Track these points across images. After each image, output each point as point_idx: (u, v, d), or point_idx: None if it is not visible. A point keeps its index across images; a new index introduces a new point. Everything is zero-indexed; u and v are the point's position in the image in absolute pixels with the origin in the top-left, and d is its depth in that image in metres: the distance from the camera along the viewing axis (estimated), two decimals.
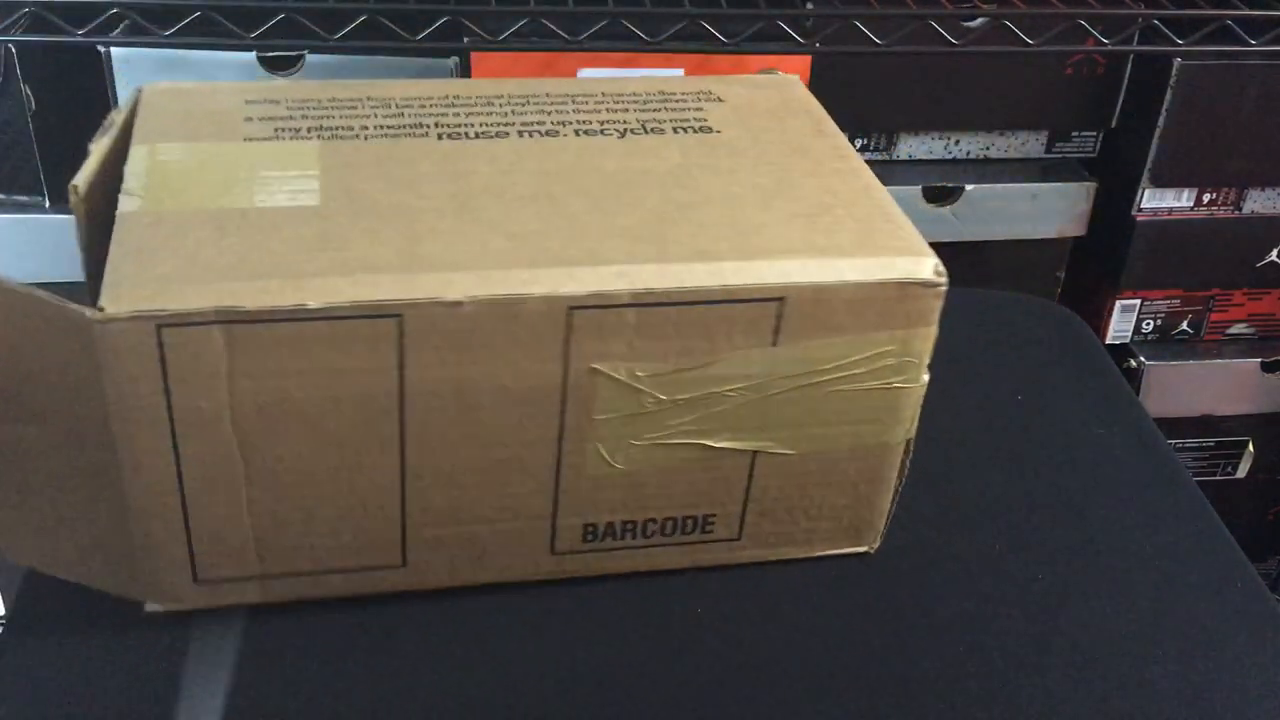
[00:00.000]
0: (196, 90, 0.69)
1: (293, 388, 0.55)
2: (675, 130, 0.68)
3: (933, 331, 0.60)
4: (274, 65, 1.00)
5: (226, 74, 1.00)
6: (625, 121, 0.68)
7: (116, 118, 0.65)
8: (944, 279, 0.59)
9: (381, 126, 0.66)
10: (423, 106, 0.68)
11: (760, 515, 0.65)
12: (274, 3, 0.92)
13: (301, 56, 1.00)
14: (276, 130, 0.65)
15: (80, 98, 1.03)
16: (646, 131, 0.67)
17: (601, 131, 0.67)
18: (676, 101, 0.71)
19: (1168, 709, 0.60)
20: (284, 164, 0.62)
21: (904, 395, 0.62)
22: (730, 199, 0.62)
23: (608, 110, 0.69)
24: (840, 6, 1.00)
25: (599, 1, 0.95)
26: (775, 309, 0.58)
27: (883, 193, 0.64)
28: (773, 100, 0.73)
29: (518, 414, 0.58)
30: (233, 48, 0.97)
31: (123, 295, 0.52)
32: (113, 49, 0.98)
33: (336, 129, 0.65)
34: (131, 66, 0.99)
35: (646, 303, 0.56)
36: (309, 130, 0.65)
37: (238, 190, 0.59)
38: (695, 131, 0.68)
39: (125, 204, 0.58)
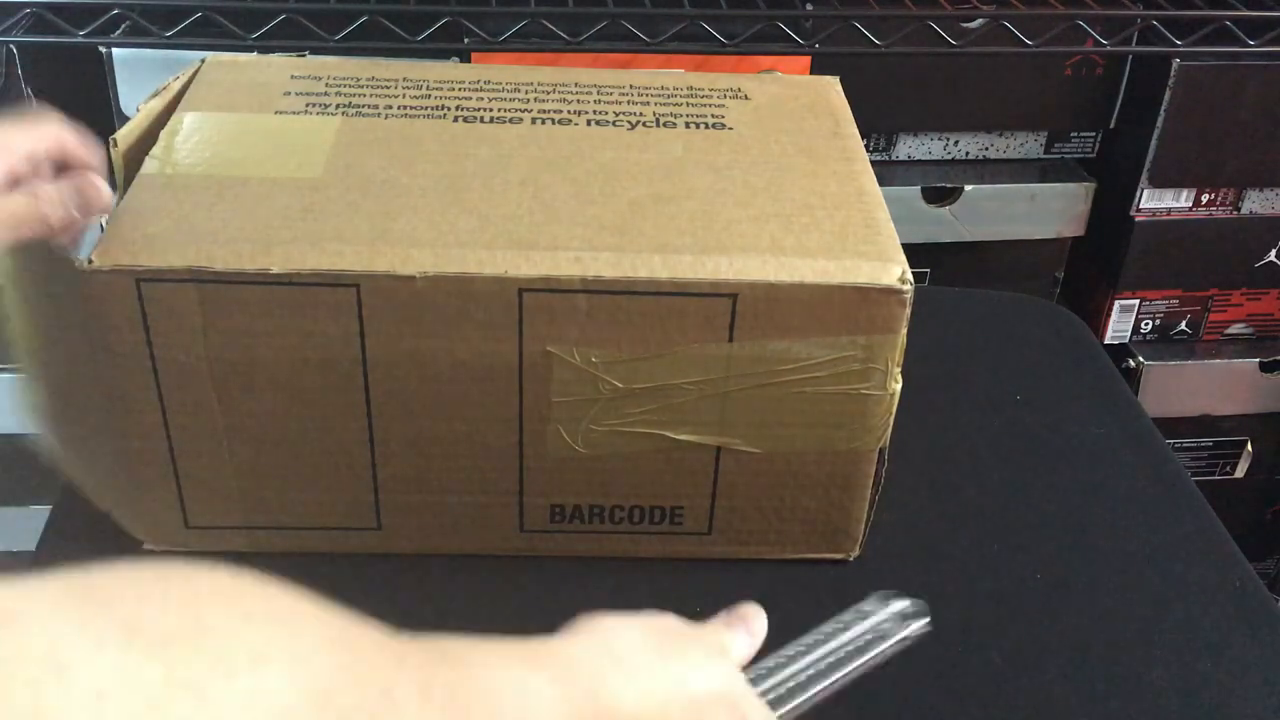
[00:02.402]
0: (252, 63, 0.73)
1: (262, 347, 0.59)
2: (687, 125, 0.68)
3: (900, 339, 0.60)
4: None
5: None
6: (641, 114, 0.69)
7: (173, 84, 0.69)
8: (910, 286, 0.58)
9: (405, 106, 0.68)
10: (451, 90, 0.70)
11: (730, 511, 0.65)
12: (274, 3, 0.92)
13: (302, 57, 1.00)
14: (307, 105, 0.68)
15: (81, 98, 1.03)
16: (659, 125, 0.68)
17: (614, 122, 0.68)
18: (702, 97, 0.72)
19: (1167, 709, 0.60)
20: (300, 138, 0.65)
21: (871, 402, 0.61)
22: (712, 195, 0.63)
23: (629, 102, 0.70)
24: (840, 7, 1.00)
25: (599, 2, 0.95)
26: (728, 305, 0.58)
27: (876, 198, 0.64)
28: (800, 100, 0.73)
29: (477, 390, 0.60)
30: (233, 48, 0.97)
31: (110, 250, 0.57)
32: (113, 50, 0.98)
33: (362, 107, 0.68)
34: (132, 67, 0.99)
35: (596, 289, 0.58)
36: (336, 107, 0.68)
37: (250, 160, 0.63)
38: (707, 127, 0.68)
39: (147, 165, 0.62)
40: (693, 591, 0.63)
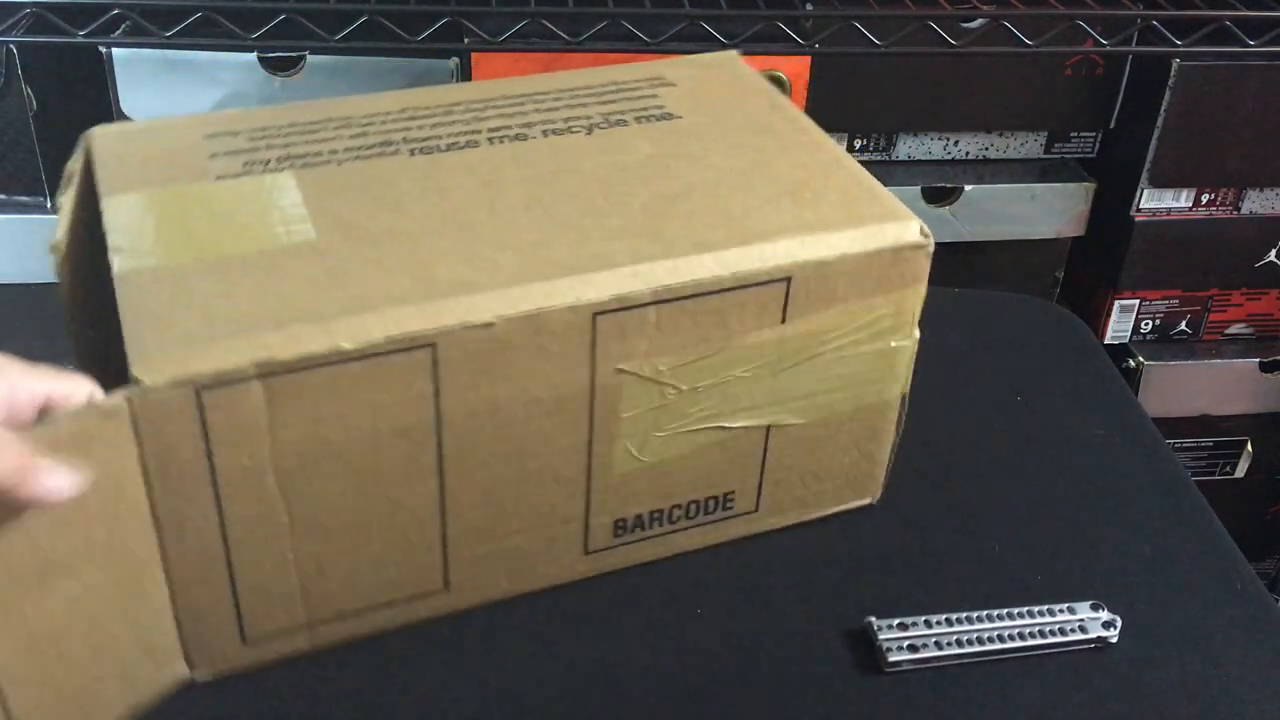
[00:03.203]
0: (148, 129, 0.66)
1: (332, 432, 0.54)
2: (638, 120, 0.68)
3: (923, 289, 0.63)
4: (274, 66, 1.00)
5: (227, 74, 1.00)
6: (588, 116, 0.68)
7: (74, 167, 0.62)
8: (930, 238, 0.61)
9: (350, 149, 0.64)
10: (385, 123, 0.67)
11: (775, 485, 0.66)
12: (275, 4, 0.92)
13: (302, 57, 1.00)
14: (246, 165, 0.63)
15: (81, 98, 1.03)
16: (611, 124, 0.68)
17: (568, 129, 0.67)
18: (630, 90, 0.71)
19: (1167, 709, 0.60)
20: (266, 201, 0.60)
21: (899, 353, 0.65)
22: (711, 185, 0.63)
23: (567, 107, 0.69)
24: (840, 7, 1.00)
25: (599, 2, 0.95)
26: (783, 289, 0.59)
27: (850, 161, 0.66)
28: (722, 79, 0.73)
29: (549, 424, 0.58)
30: (233, 48, 0.97)
31: (154, 363, 0.50)
32: (114, 50, 0.98)
33: (306, 156, 0.63)
34: (132, 67, 0.99)
35: (665, 299, 0.57)
36: (278, 161, 0.63)
37: (228, 234, 0.58)
38: (657, 120, 0.68)
39: (119, 263, 0.56)
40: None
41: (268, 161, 0.63)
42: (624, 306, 0.56)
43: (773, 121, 0.69)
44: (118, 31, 0.94)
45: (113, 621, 0.54)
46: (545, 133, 0.67)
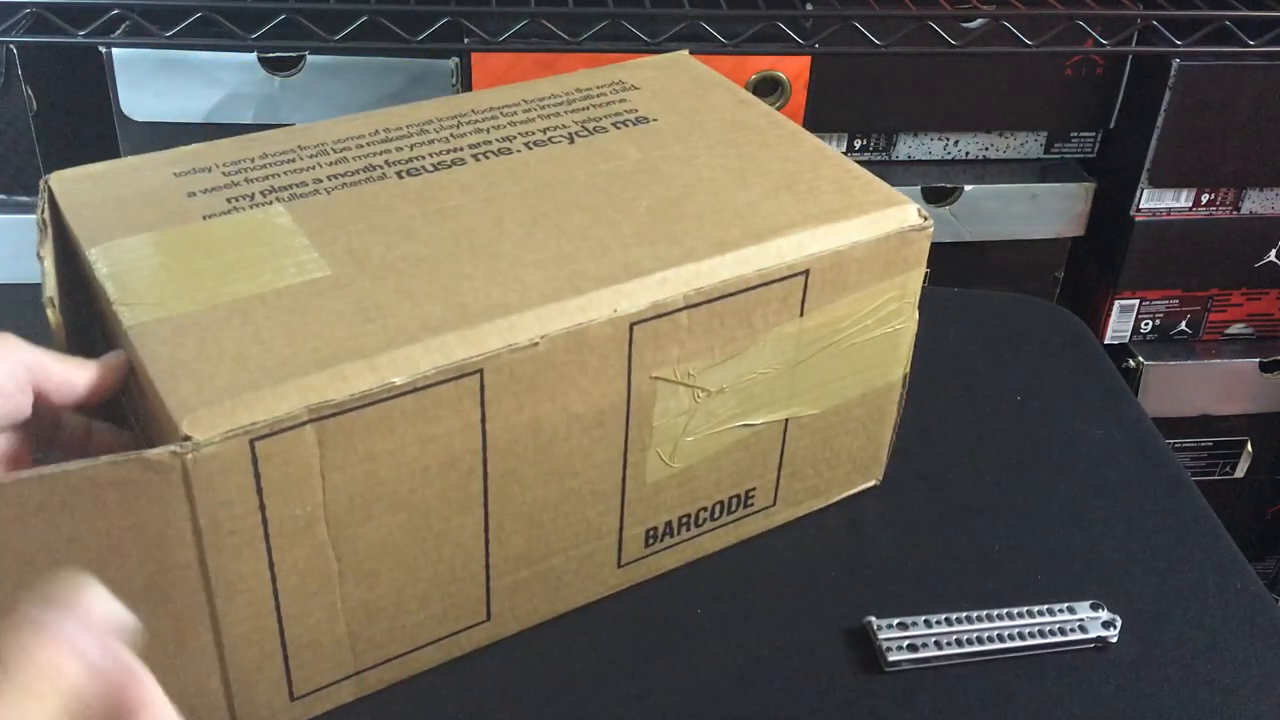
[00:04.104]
0: (113, 171, 0.63)
1: (382, 470, 0.53)
2: (615, 126, 0.68)
3: (922, 271, 0.64)
4: (274, 66, 1.00)
5: (226, 74, 1.00)
6: (565, 125, 0.68)
7: (43, 218, 0.59)
8: (930, 220, 0.63)
9: (334, 176, 0.62)
10: (360, 146, 0.65)
11: (791, 477, 0.67)
12: (274, 3, 0.92)
13: (302, 57, 1.00)
14: (230, 201, 0.60)
15: (81, 98, 1.03)
16: (591, 132, 0.68)
17: (550, 140, 0.67)
18: (597, 96, 0.72)
19: (1168, 709, 0.60)
20: (264, 236, 0.58)
21: (902, 335, 0.66)
22: (708, 185, 0.63)
23: (540, 117, 0.69)
24: (840, 7, 1.00)
25: (599, 2, 0.95)
26: (801, 282, 0.60)
27: (831, 150, 0.67)
28: (682, 79, 0.74)
29: (588, 439, 0.58)
30: (233, 48, 0.97)
31: (205, 418, 0.48)
32: (114, 50, 0.98)
33: (291, 187, 0.61)
34: (132, 67, 0.99)
35: (696, 303, 0.57)
36: (262, 194, 0.61)
37: (236, 276, 0.55)
38: (634, 124, 0.69)
39: (129, 316, 0.53)
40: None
41: (252, 196, 0.61)
42: (659, 314, 0.56)
43: (745, 117, 0.70)
44: (118, 31, 0.94)
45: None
46: (528, 145, 0.66)
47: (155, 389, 0.49)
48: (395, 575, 0.56)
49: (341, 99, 1.01)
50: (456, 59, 1.01)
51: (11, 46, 0.96)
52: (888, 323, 0.64)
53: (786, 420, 0.64)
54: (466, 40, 0.96)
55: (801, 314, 0.61)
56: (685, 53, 0.78)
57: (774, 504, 0.68)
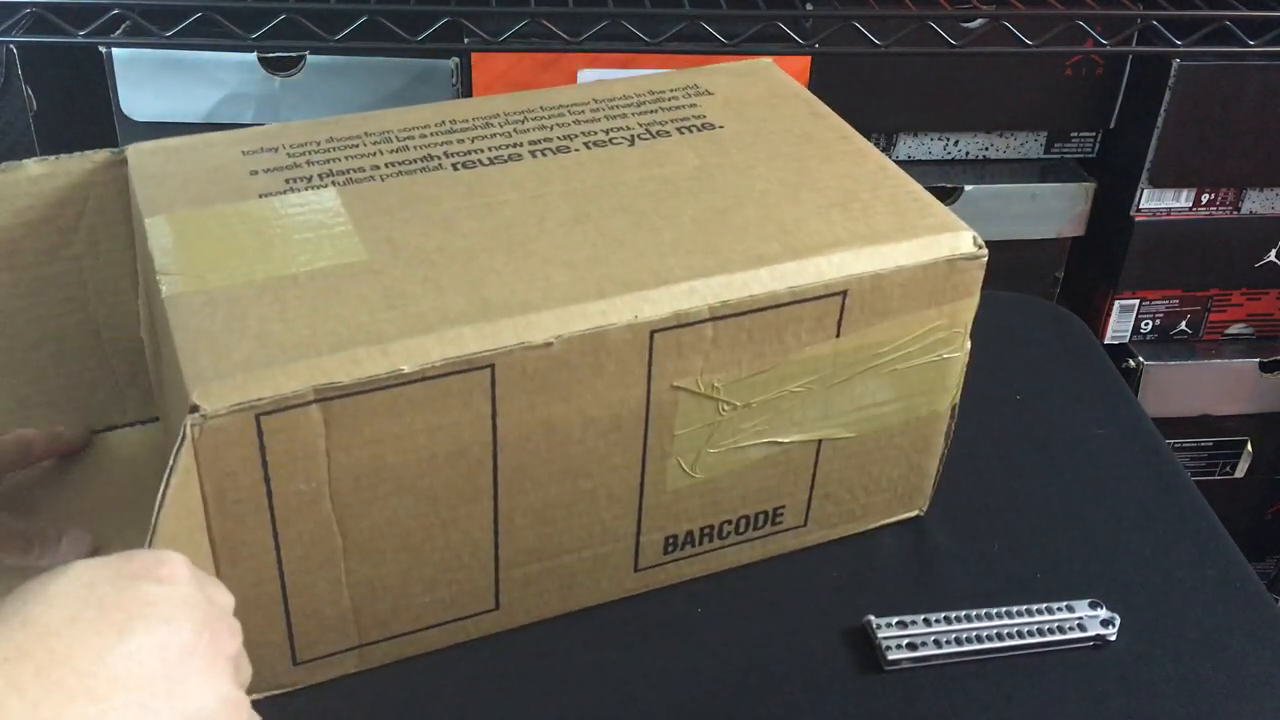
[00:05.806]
0: (187, 146, 0.65)
1: (389, 454, 0.53)
2: (680, 131, 0.68)
3: (976, 300, 0.63)
4: (274, 66, 1.00)
5: (226, 74, 1.00)
6: (629, 127, 0.68)
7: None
8: (985, 250, 0.61)
9: (392, 164, 0.64)
10: (424, 136, 0.66)
11: (824, 499, 0.66)
12: (274, 3, 0.92)
13: (302, 57, 1.00)
14: (288, 182, 0.62)
15: (81, 98, 1.03)
16: (653, 135, 0.67)
17: (610, 141, 0.66)
18: (669, 99, 0.71)
19: (1167, 709, 0.60)
20: (312, 219, 0.59)
21: (951, 364, 0.64)
22: (759, 197, 0.62)
23: (606, 117, 0.69)
24: (840, 7, 1.00)
25: (599, 2, 0.95)
26: (839, 303, 0.59)
27: (896, 170, 0.65)
28: (759, 87, 0.73)
29: (604, 443, 0.58)
30: (233, 48, 0.97)
31: (215, 390, 0.49)
32: (114, 50, 0.98)
33: (348, 172, 0.63)
34: (132, 67, 0.99)
35: (722, 315, 0.56)
36: (320, 177, 0.62)
37: (277, 254, 0.57)
38: (699, 130, 0.68)
39: (168, 286, 0.55)
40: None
41: (310, 178, 0.62)
42: (681, 324, 0.56)
43: (814, 130, 0.68)
44: (118, 31, 0.94)
45: None
46: (588, 145, 0.66)
47: (177, 358, 0.51)
48: (400, 556, 0.57)
49: (341, 99, 1.01)
50: (456, 59, 1.01)
51: (11, 46, 0.96)
52: (934, 350, 0.63)
53: (820, 441, 0.63)
54: (466, 40, 0.96)
55: (838, 335, 0.59)
56: (769, 60, 0.76)
57: (805, 524, 0.66)
